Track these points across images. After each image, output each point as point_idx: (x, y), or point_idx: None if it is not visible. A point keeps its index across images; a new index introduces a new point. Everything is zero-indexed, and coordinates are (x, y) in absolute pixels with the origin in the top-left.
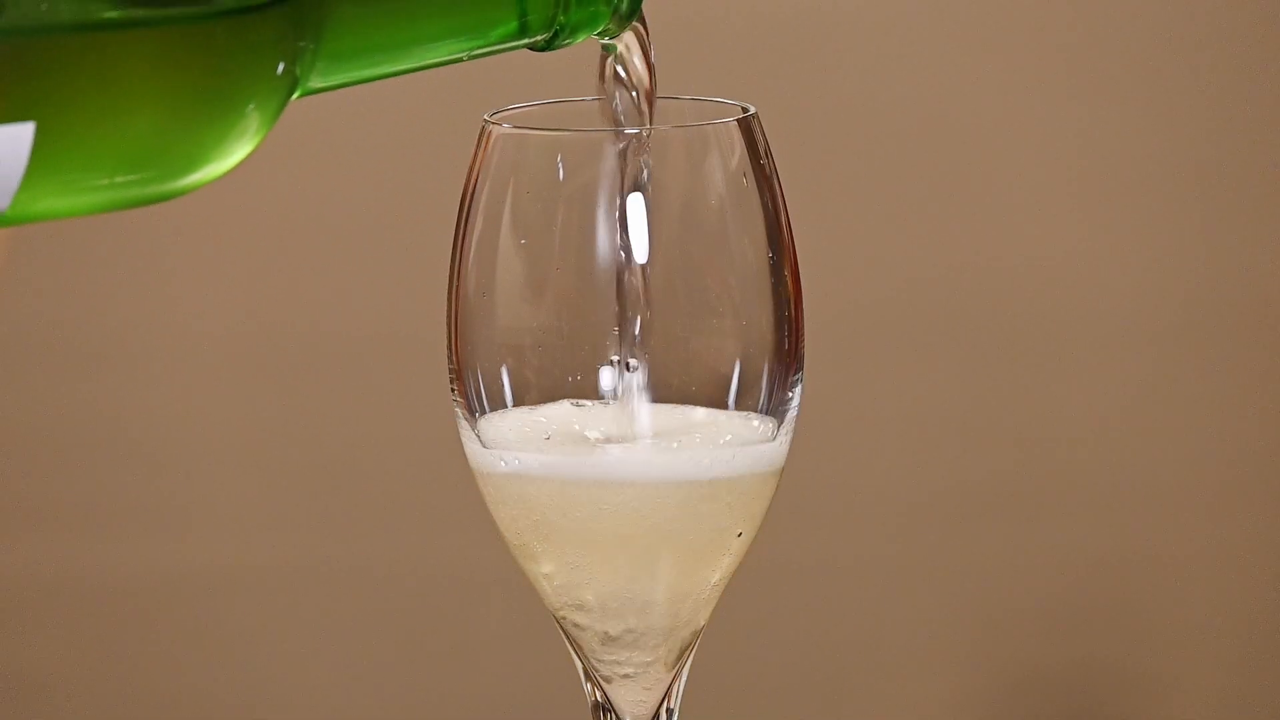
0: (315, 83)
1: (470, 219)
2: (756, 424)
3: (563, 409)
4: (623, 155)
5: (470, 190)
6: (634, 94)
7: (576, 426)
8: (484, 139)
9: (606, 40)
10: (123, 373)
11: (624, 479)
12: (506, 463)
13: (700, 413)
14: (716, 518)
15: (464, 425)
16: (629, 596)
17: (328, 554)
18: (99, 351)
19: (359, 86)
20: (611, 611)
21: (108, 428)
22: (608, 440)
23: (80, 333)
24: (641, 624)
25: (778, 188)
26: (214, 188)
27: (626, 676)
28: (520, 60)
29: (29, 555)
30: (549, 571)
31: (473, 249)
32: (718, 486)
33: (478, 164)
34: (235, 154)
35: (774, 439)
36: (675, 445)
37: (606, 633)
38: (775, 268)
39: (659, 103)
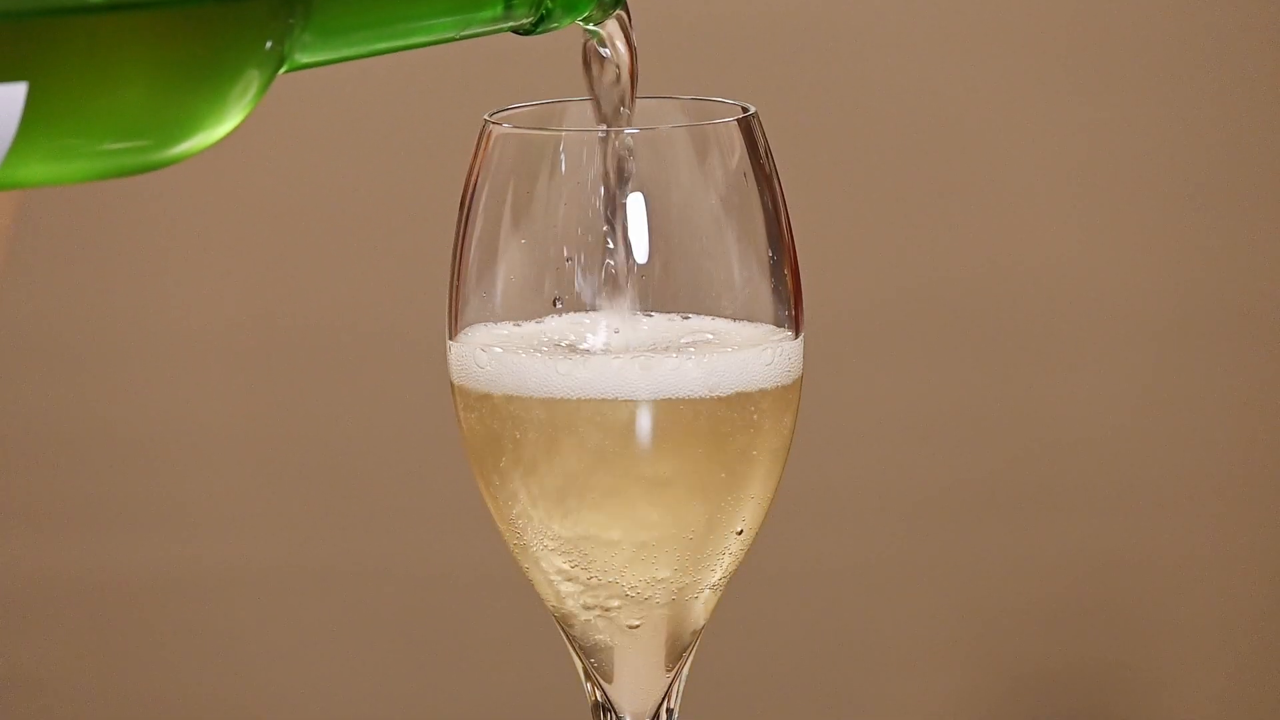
0: (302, 58)
1: (470, 218)
2: (773, 331)
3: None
4: (608, 152)
5: (470, 190)
6: (617, 74)
7: (572, 338)
8: (484, 139)
9: (590, 26)
10: (123, 372)
11: (624, 389)
12: (490, 359)
13: (714, 322)
14: (732, 437)
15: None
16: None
17: (328, 554)
18: (99, 351)
19: (359, 86)
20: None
21: (108, 428)
22: (610, 349)
23: (80, 332)
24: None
25: (778, 188)
26: (215, 188)
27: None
28: (520, 60)
29: (29, 555)
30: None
31: (473, 249)
32: (736, 400)
33: (478, 164)
34: (222, 127)
35: (793, 341)
36: (685, 353)
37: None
38: (775, 268)
39: (658, 103)
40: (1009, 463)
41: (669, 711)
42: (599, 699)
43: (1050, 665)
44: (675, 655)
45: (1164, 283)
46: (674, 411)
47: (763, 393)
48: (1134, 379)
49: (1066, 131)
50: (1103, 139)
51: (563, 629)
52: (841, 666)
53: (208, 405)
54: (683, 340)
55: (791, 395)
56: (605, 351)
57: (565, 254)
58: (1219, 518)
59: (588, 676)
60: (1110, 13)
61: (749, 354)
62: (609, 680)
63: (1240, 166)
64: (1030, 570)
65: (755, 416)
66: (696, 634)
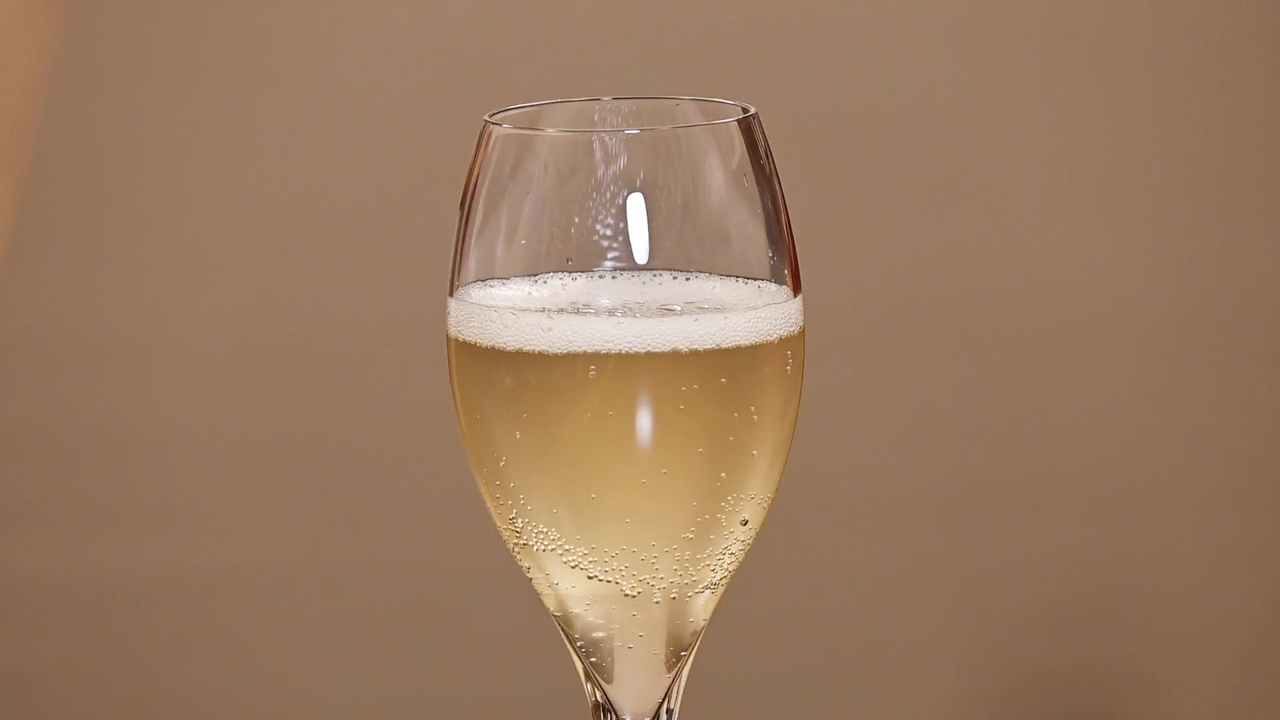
0: None
1: (470, 218)
2: (770, 289)
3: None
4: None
5: (470, 190)
6: None
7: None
8: (484, 139)
9: None
10: (123, 373)
11: (621, 343)
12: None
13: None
14: (729, 397)
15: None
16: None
17: (327, 554)
18: (99, 351)
19: (360, 86)
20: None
21: (108, 428)
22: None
23: (80, 333)
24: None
25: (778, 188)
26: (215, 188)
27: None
28: (520, 60)
29: (29, 555)
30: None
31: (473, 248)
32: (729, 354)
33: (478, 164)
34: None
35: (789, 301)
36: (678, 310)
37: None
38: (775, 268)
39: (659, 103)
40: (1009, 463)
41: (669, 711)
42: (599, 699)
43: (1050, 665)
44: (675, 655)
45: (1163, 283)
46: (681, 358)
47: (762, 366)
48: (1134, 379)
49: (1066, 131)
50: (1102, 139)
51: (563, 629)
52: (841, 667)
53: (207, 405)
54: (681, 297)
55: (793, 387)
56: (601, 312)
57: (565, 255)
58: (1219, 518)
59: (588, 677)
60: (1110, 13)
61: (749, 317)
62: (609, 680)
63: (1239, 167)
64: (1030, 570)
65: (755, 400)
66: (696, 634)
